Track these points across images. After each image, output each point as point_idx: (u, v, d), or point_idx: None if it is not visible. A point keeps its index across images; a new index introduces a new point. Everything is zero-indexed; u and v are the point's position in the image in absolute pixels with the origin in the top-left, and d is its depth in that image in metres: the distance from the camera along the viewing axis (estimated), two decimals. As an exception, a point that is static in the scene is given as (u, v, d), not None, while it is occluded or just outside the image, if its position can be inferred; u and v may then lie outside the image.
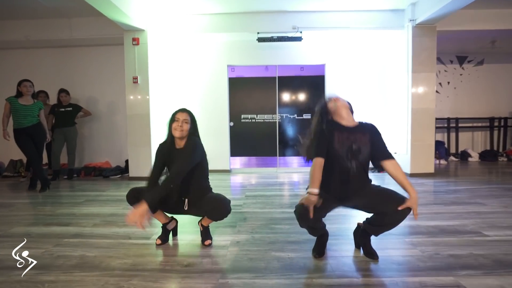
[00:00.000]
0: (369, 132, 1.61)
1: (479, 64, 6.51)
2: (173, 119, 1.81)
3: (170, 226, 1.95)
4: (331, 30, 4.42)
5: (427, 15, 3.85)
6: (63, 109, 4.48)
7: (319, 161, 1.51)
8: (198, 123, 1.90)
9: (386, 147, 1.63)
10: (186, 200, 1.83)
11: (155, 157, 1.87)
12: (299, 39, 4.41)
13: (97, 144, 5.20)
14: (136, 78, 4.25)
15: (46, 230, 2.19)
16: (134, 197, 1.73)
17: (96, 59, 5.06)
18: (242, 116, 5.05)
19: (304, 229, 1.66)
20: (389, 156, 1.60)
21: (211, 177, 1.97)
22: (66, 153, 4.58)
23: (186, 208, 1.83)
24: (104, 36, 4.58)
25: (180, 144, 1.81)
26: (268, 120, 5.05)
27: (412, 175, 4.22)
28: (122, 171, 4.77)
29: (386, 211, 1.51)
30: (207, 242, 1.88)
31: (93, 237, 2.03)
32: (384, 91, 4.91)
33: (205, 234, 1.91)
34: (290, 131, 5.13)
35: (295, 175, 4.65)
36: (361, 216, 1.79)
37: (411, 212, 1.47)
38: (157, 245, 1.88)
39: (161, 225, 1.94)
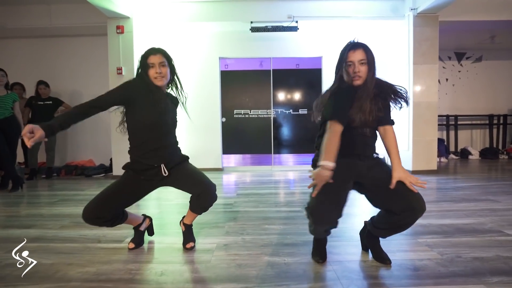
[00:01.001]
0: (383, 94, 1.39)
1: (478, 60, 6.40)
2: (146, 66, 1.45)
3: (143, 226, 1.67)
4: (328, 19, 4.19)
5: (429, 3, 3.65)
6: (41, 103, 4.15)
7: (338, 128, 1.22)
8: (185, 118, 1.71)
9: (390, 112, 1.43)
10: (162, 165, 1.45)
11: (114, 90, 1.41)
12: (294, 29, 4.17)
13: (81, 141, 4.88)
14: (121, 69, 3.96)
15: (2, 233, 1.88)
16: None
17: (79, 50, 4.75)
18: (235, 111, 4.78)
19: (305, 229, 1.39)
20: (390, 121, 1.42)
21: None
22: (44, 151, 4.25)
23: (165, 174, 1.45)
24: (86, 24, 4.28)
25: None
26: (262, 116, 4.79)
27: (414, 172, 3.99)
28: (106, 169, 4.45)
29: (395, 208, 1.24)
30: (189, 245, 1.59)
31: (56, 241, 1.73)
32: (384, 85, 4.70)
33: (188, 235, 1.63)
34: (285, 127, 4.87)
35: (291, 173, 4.39)
36: (366, 214, 1.53)
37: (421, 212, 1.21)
38: (130, 249, 1.59)
39: (132, 227, 1.65)
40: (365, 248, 1.52)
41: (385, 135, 1.39)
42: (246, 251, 1.56)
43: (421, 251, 1.52)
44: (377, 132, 1.41)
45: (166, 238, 1.76)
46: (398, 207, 1.23)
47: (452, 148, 6.23)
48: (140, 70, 1.47)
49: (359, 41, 1.34)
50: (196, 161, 1.99)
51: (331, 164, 1.15)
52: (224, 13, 4.15)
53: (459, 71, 6.38)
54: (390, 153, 1.36)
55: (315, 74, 4.76)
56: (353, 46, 1.31)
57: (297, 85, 4.86)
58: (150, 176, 1.46)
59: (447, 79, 6.39)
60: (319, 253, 1.43)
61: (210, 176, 1.58)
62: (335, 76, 1.40)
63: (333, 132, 1.20)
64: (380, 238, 1.44)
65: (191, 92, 4.67)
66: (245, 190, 3.14)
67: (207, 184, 1.47)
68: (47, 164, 4.25)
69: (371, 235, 1.44)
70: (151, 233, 1.73)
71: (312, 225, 1.32)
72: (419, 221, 1.95)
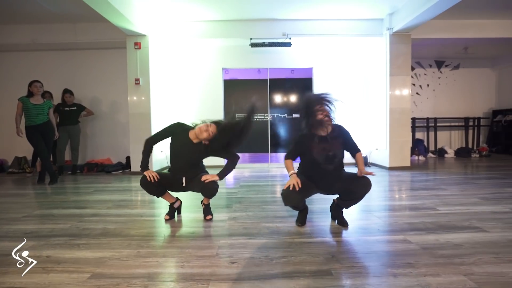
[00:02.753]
0: (342, 137, 1.99)
1: (456, 68, 7.05)
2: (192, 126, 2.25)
3: (176, 205, 2.32)
4: (318, 36, 4.84)
5: (403, 24, 4.31)
6: (67, 108, 4.77)
7: (288, 162, 2.04)
8: (195, 121, 2.32)
9: (355, 144, 2.06)
10: (184, 178, 2.20)
11: (165, 129, 2.27)
12: (288, 44, 4.82)
13: (99, 141, 5.49)
14: (138, 79, 4.58)
15: (66, 212, 2.51)
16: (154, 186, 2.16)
17: (99, 61, 5.37)
18: (236, 115, 5.40)
19: (289, 208, 2.04)
20: (358, 150, 2.06)
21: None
22: (69, 150, 4.87)
23: (184, 185, 2.20)
24: (107, 40, 4.89)
25: (197, 139, 2.16)
26: (260, 119, 5.44)
27: (391, 168, 4.66)
28: (124, 167, 5.08)
29: (353, 188, 1.92)
30: (208, 217, 2.24)
31: (110, 216, 2.37)
32: (367, 92, 5.37)
33: (207, 210, 2.28)
34: (280, 129, 5.53)
35: (285, 169, 5.04)
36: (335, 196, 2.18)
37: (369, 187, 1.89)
38: (166, 220, 2.23)
39: (168, 204, 2.30)
40: (333, 217, 2.17)
41: (357, 159, 2.04)
42: (249, 220, 2.20)
43: (370, 220, 2.17)
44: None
45: (190, 214, 2.40)
46: (356, 186, 1.91)
47: (432, 148, 6.90)
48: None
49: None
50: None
51: (293, 171, 1.97)
52: (228, 30, 4.80)
53: (439, 78, 7.05)
54: (358, 163, 2.02)
55: (306, 83, 5.43)
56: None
57: (291, 92, 5.51)
58: (178, 180, 2.20)
59: (428, 85, 7.06)
60: (300, 220, 2.08)
61: (214, 172, 2.21)
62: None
63: (287, 163, 2.07)
64: (343, 210, 2.09)
65: (198, 98, 5.32)
66: (246, 183, 3.79)
67: (204, 184, 2.11)
68: (72, 162, 4.87)
69: (337, 207, 2.10)
70: (179, 212, 2.38)
71: (284, 202, 1.98)
72: (377, 202, 2.62)
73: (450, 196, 2.83)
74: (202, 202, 2.31)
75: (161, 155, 5.02)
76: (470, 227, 1.96)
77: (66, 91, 4.81)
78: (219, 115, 5.31)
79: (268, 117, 5.42)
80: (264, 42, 4.85)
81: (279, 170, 4.98)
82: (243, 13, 4.56)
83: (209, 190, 2.12)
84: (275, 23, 4.77)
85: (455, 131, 7.14)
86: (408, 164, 4.71)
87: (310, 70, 5.39)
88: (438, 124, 6.93)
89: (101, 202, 2.82)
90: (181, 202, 2.39)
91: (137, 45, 4.57)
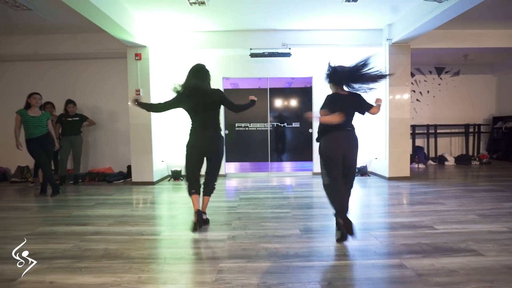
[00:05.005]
0: (357, 96, 2.39)
1: (456, 74, 7.06)
2: None
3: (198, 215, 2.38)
4: (318, 46, 4.88)
5: (402, 35, 4.33)
6: (70, 119, 4.82)
7: (323, 111, 2.26)
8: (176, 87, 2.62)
9: (368, 102, 2.44)
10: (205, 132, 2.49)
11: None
12: (288, 55, 4.85)
13: (100, 150, 5.54)
14: (139, 90, 4.63)
15: (68, 229, 2.55)
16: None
17: (99, 71, 5.41)
18: (237, 124, 5.46)
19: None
20: (371, 107, 2.46)
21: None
22: (71, 160, 4.91)
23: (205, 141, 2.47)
24: (107, 50, 4.94)
25: None
26: (260, 128, 5.47)
27: (390, 178, 4.68)
28: (125, 176, 5.12)
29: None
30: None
31: (111, 234, 2.41)
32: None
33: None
34: (280, 138, 5.56)
35: (286, 179, 5.07)
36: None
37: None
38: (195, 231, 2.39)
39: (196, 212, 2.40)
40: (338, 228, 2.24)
41: (372, 112, 2.46)
42: (248, 240, 2.23)
43: (368, 240, 2.20)
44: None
45: (191, 232, 2.43)
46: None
47: (432, 155, 6.91)
48: None
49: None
50: (203, 168, 2.63)
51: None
52: (228, 41, 4.83)
53: (439, 84, 7.06)
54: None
55: (306, 92, 5.45)
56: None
57: (290, 102, 5.55)
58: (200, 137, 2.52)
59: (428, 91, 7.08)
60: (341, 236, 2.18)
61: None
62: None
63: (321, 111, 2.29)
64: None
65: (198, 108, 5.35)
66: (246, 195, 3.82)
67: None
68: (74, 172, 4.91)
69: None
70: (206, 222, 2.57)
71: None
72: (376, 219, 2.64)
73: (448, 213, 2.85)
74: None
75: (162, 164, 5.06)
76: (466, 249, 1.99)
77: (69, 102, 4.86)
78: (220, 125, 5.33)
79: (268, 126, 5.46)
80: (264, 53, 4.88)
81: (279, 179, 5.02)
82: (243, 24, 4.59)
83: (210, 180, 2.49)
84: (275, 33, 4.81)
85: (455, 138, 7.15)
86: (407, 174, 4.73)
87: (310, 79, 5.42)
88: (438, 131, 6.94)
89: (102, 218, 2.86)
90: (202, 216, 2.43)
91: (138, 56, 4.61)
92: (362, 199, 3.55)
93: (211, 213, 2.91)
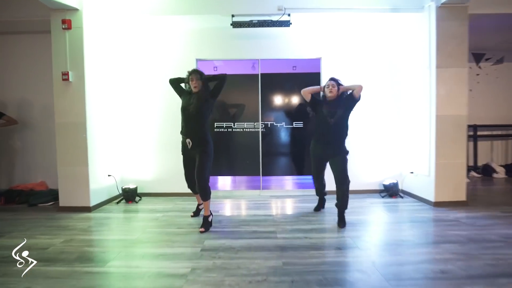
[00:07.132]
0: (344, 100, 2.62)
1: (499, 62, 5.73)
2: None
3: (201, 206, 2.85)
4: (328, 12, 3.38)
5: (457, -10, 2.84)
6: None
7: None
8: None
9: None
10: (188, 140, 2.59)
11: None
12: (286, 23, 3.36)
13: (31, 159, 4.07)
14: (67, 74, 3.15)
15: None
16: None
17: (23, 51, 3.94)
18: (215, 124, 3.96)
19: None
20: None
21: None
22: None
23: (189, 147, 2.60)
24: (29, 19, 3.47)
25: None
26: (248, 130, 3.96)
27: (437, 204, 3.17)
28: (56, 196, 3.62)
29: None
30: (201, 230, 2.30)
31: None
32: (397, 93, 3.87)
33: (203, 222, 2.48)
34: (277, 143, 4.05)
35: (286, 201, 3.56)
36: None
37: None
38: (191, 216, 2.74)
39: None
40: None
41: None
42: None
43: None
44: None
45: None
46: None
47: (470, 163, 5.44)
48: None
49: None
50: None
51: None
52: (200, 4, 3.35)
53: (478, 75, 5.68)
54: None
55: (312, 79, 3.92)
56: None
57: (291, 93, 4.04)
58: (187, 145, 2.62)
59: (464, 84, 5.63)
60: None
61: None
62: None
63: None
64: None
65: (161, 101, 3.86)
66: (214, 239, 2.31)
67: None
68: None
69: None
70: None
71: None
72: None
73: None
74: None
75: (109, 180, 3.55)
76: None
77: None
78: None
79: (260, 126, 3.95)
80: (251, 21, 3.39)
81: (274, 202, 3.51)
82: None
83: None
84: (268, -8, 3.31)
85: (498, 142, 5.78)
86: (463, 197, 3.21)
87: (317, 61, 3.91)
88: (478, 133, 5.50)
89: None
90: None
91: (66, 24, 3.14)
92: (397, 245, 2.02)
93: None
